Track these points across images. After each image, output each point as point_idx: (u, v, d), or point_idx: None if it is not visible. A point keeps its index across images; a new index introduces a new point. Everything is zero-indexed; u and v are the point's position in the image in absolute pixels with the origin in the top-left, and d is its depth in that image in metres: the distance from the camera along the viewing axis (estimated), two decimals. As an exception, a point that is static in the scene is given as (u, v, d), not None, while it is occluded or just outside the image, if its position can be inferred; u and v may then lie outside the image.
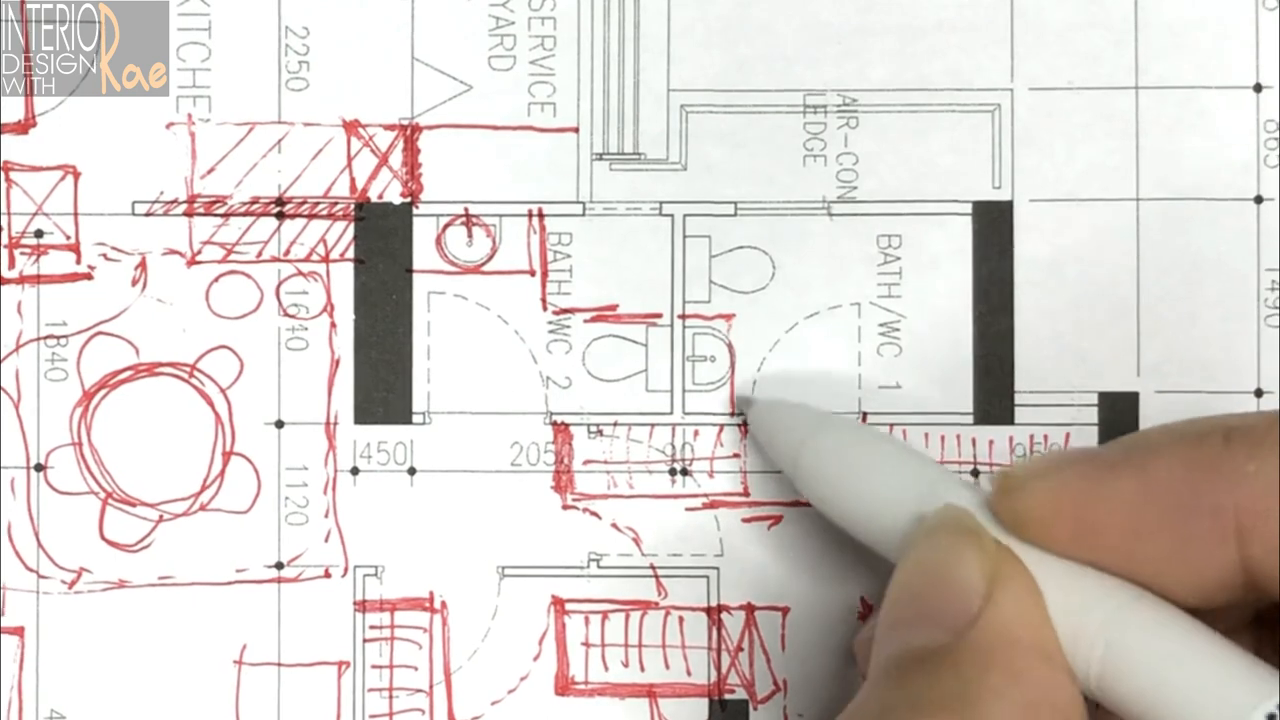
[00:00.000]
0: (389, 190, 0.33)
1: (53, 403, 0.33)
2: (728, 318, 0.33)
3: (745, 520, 0.33)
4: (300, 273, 0.33)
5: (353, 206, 0.33)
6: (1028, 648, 0.25)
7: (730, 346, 0.33)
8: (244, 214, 0.33)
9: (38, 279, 0.33)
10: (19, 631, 0.33)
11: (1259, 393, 0.33)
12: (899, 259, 0.33)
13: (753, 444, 0.33)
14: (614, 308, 0.33)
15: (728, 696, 0.33)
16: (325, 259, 0.33)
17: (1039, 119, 0.33)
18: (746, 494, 0.33)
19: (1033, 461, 0.27)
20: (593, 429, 0.33)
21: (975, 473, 0.33)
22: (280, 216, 0.33)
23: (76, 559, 0.33)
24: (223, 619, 0.33)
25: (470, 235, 0.33)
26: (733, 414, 0.33)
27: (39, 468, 0.33)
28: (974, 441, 0.33)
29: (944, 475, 0.29)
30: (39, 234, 0.33)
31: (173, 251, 0.33)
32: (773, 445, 0.31)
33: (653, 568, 0.33)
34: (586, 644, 0.33)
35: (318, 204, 0.33)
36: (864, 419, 0.33)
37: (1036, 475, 0.26)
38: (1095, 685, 0.25)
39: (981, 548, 0.26)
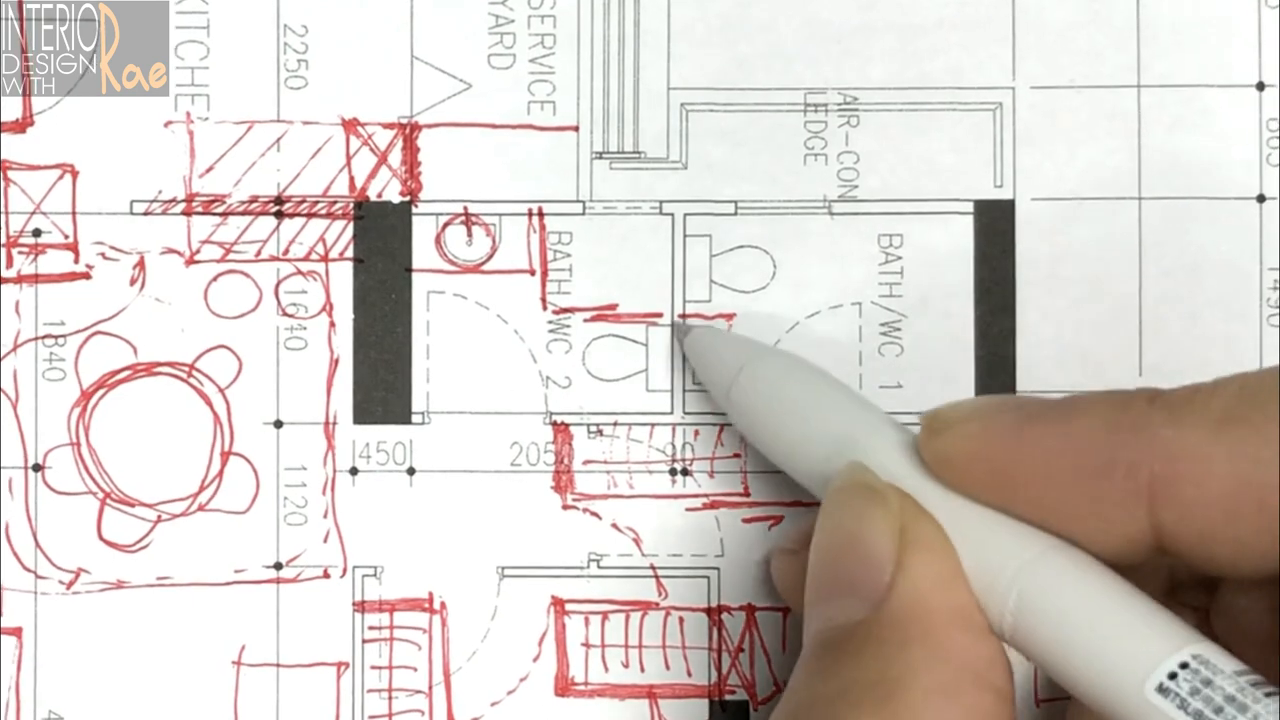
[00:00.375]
0: (388, 189, 0.33)
1: (51, 403, 0.33)
2: (728, 317, 0.33)
3: (746, 520, 0.33)
4: (299, 272, 0.33)
5: (352, 205, 0.33)
6: (944, 615, 0.25)
7: None
8: (242, 213, 0.33)
9: (35, 278, 0.33)
10: (17, 632, 0.33)
11: (1261, 392, 0.33)
12: (900, 258, 0.33)
13: (751, 448, 0.32)
14: (614, 307, 0.33)
15: (728, 697, 0.33)
16: (324, 258, 0.33)
17: (1040, 117, 0.33)
18: (747, 494, 0.33)
19: (961, 404, 0.27)
20: (593, 429, 0.33)
21: None
22: (279, 215, 0.33)
23: (74, 559, 0.33)
24: (221, 619, 0.33)
25: (470, 234, 0.33)
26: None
27: (37, 468, 0.33)
28: None
29: (871, 416, 0.28)
30: (37, 233, 0.33)
31: (171, 251, 0.33)
32: (707, 373, 0.31)
33: (653, 568, 0.33)
34: (586, 644, 0.33)
35: (317, 203, 0.33)
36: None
37: (963, 418, 0.26)
38: (1009, 634, 0.25)
39: (887, 508, 0.26)
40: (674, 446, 0.33)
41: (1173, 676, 0.23)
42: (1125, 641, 0.23)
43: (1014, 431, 0.25)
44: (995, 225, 0.33)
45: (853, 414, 0.28)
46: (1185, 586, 0.27)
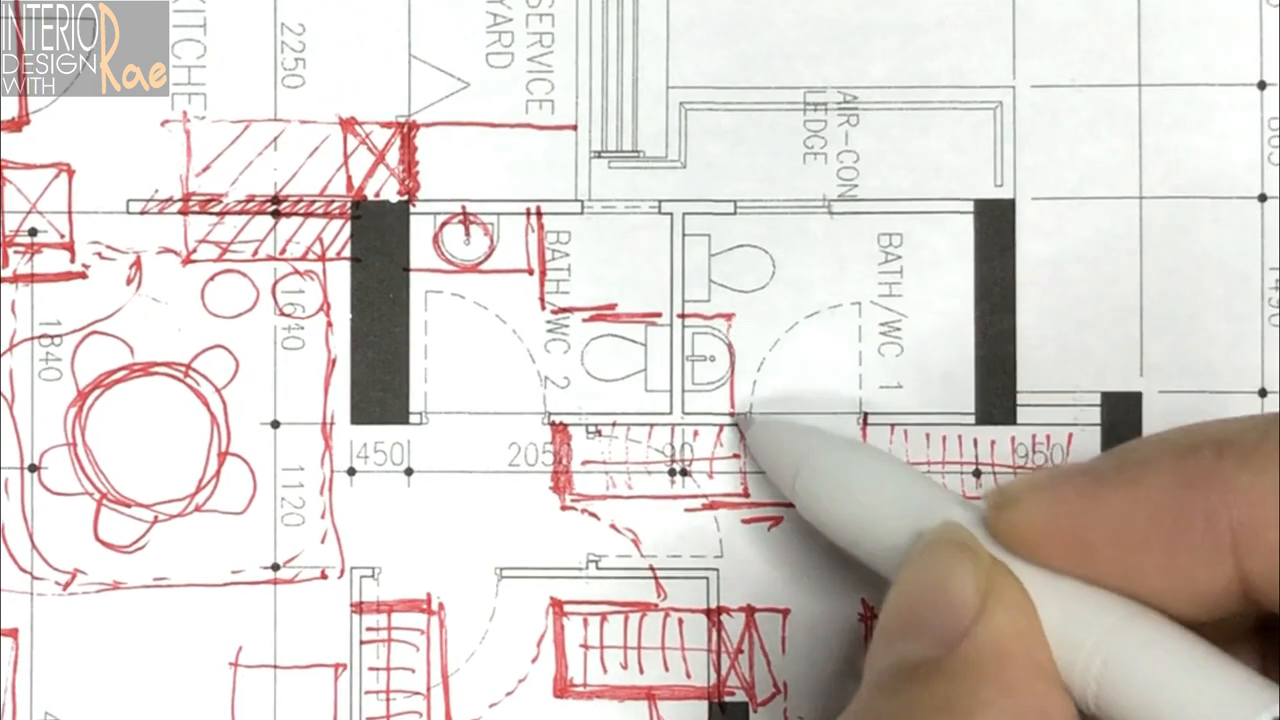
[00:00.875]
0: (386, 188, 0.33)
1: (47, 403, 0.33)
2: (727, 317, 0.33)
3: (745, 521, 0.33)
4: (296, 271, 0.33)
5: (349, 205, 0.33)
6: (1020, 662, 0.25)
7: (730, 346, 0.33)
8: (239, 212, 0.33)
9: (31, 278, 0.33)
10: (13, 633, 0.33)
11: (1263, 392, 0.32)
12: (900, 258, 0.33)
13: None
14: (613, 307, 0.33)
15: (728, 699, 0.33)
16: (321, 258, 0.33)
17: (1041, 116, 0.33)
18: (746, 495, 0.33)
19: (1026, 477, 0.27)
20: (591, 429, 0.33)
21: (977, 473, 0.33)
22: (276, 215, 0.33)
23: (71, 560, 0.33)
24: (218, 621, 0.33)
25: (468, 234, 0.33)
26: (731, 414, 0.33)
27: (33, 468, 0.33)
28: (975, 442, 0.33)
29: (941, 493, 0.29)
30: (33, 232, 0.33)
31: (167, 250, 0.33)
32: (771, 465, 0.31)
33: (652, 569, 0.33)
34: (585, 646, 0.33)
35: (314, 202, 0.33)
36: (865, 419, 0.33)
37: (1029, 491, 0.26)
38: (1094, 704, 0.25)
39: (976, 562, 0.26)
40: (673, 447, 0.33)
41: None
42: (1215, 703, 0.24)
43: (1085, 498, 0.25)
44: (995, 225, 0.33)
45: (923, 495, 0.28)
46: (1273, 633, 0.27)
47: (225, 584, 0.33)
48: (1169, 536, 0.24)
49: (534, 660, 0.33)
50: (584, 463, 0.33)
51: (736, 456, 0.33)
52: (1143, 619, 0.25)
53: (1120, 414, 0.32)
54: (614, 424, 0.33)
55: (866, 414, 0.33)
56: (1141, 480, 0.25)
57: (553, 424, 0.33)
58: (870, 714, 0.25)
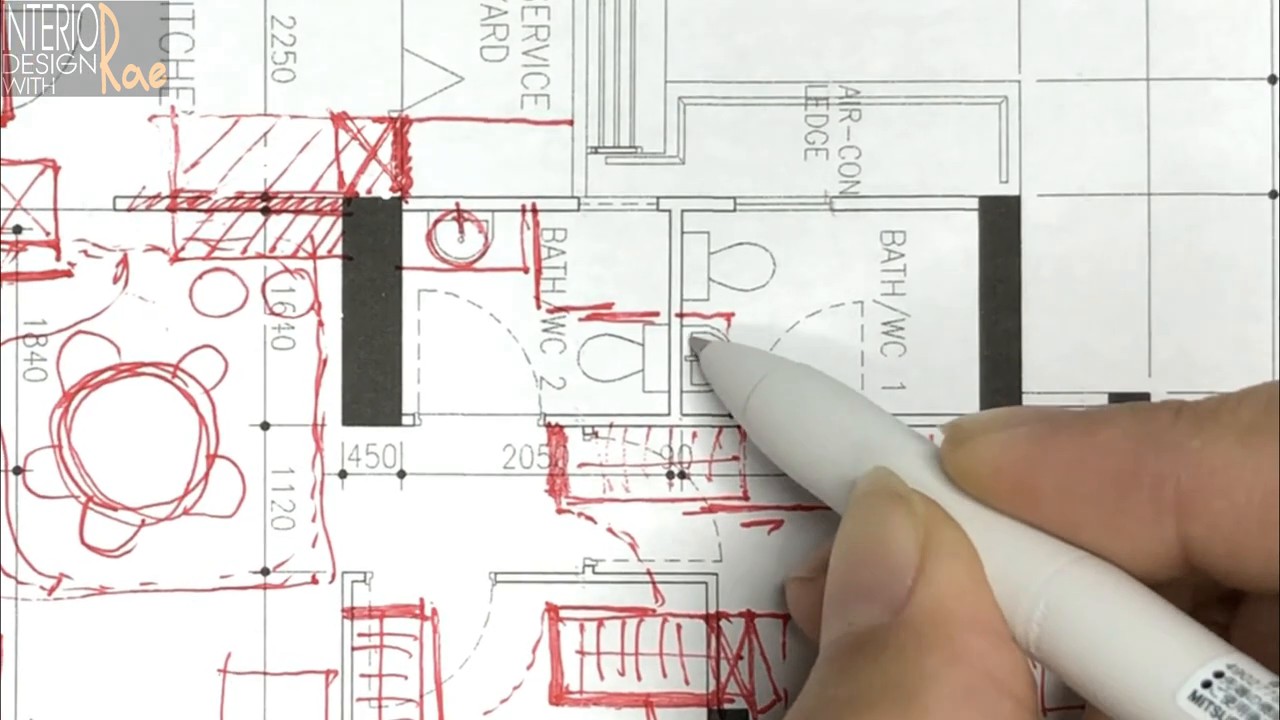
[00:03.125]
0: (378, 185, 0.33)
1: (31, 404, 0.33)
2: (727, 316, 0.33)
3: (745, 525, 0.33)
4: (287, 270, 0.33)
5: (341, 201, 0.33)
6: (964, 621, 0.25)
7: None
8: (229, 209, 0.33)
9: (16, 276, 0.33)
10: (-3, 639, 0.33)
11: (1274, 393, 0.32)
12: (903, 255, 0.33)
13: (753, 446, 0.32)
14: (610, 306, 0.33)
15: (727, 706, 0.33)
16: (312, 255, 0.33)
17: (1047, 111, 0.33)
18: (746, 498, 0.33)
19: (985, 415, 0.27)
20: (588, 431, 0.33)
21: None
22: (266, 212, 0.33)
23: (56, 565, 0.33)
24: (207, 626, 0.33)
25: (461, 231, 0.33)
26: (731, 415, 0.32)
27: (17, 471, 0.33)
28: None
29: (895, 427, 0.28)
30: (17, 230, 0.33)
31: (155, 248, 0.33)
32: (724, 388, 0.31)
33: (649, 574, 0.33)
34: (581, 652, 0.33)
35: (305, 199, 0.33)
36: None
37: (986, 429, 0.26)
38: (1034, 647, 0.25)
39: (911, 514, 0.26)
40: (671, 449, 0.33)
41: (1206, 685, 0.23)
42: (1157, 651, 0.23)
43: (1038, 443, 0.25)
44: (1001, 222, 0.33)
45: (874, 425, 0.28)
46: (1208, 604, 0.27)
47: (214, 589, 0.33)
48: (1115, 493, 0.24)
49: (529, 667, 0.33)
50: (580, 465, 0.33)
51: (736, 459, 0.33)
52: (1089, 565, 0.25)
53: None
54: (611, 425, 0.33)
55: None
56: (1095, 432, 0.25)
57: (548, 425, 0.33)
58: (821, 700, 0.25)
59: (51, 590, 0.32)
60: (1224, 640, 0.24)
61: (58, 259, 0.33)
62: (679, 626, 0.33)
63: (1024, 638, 0.25)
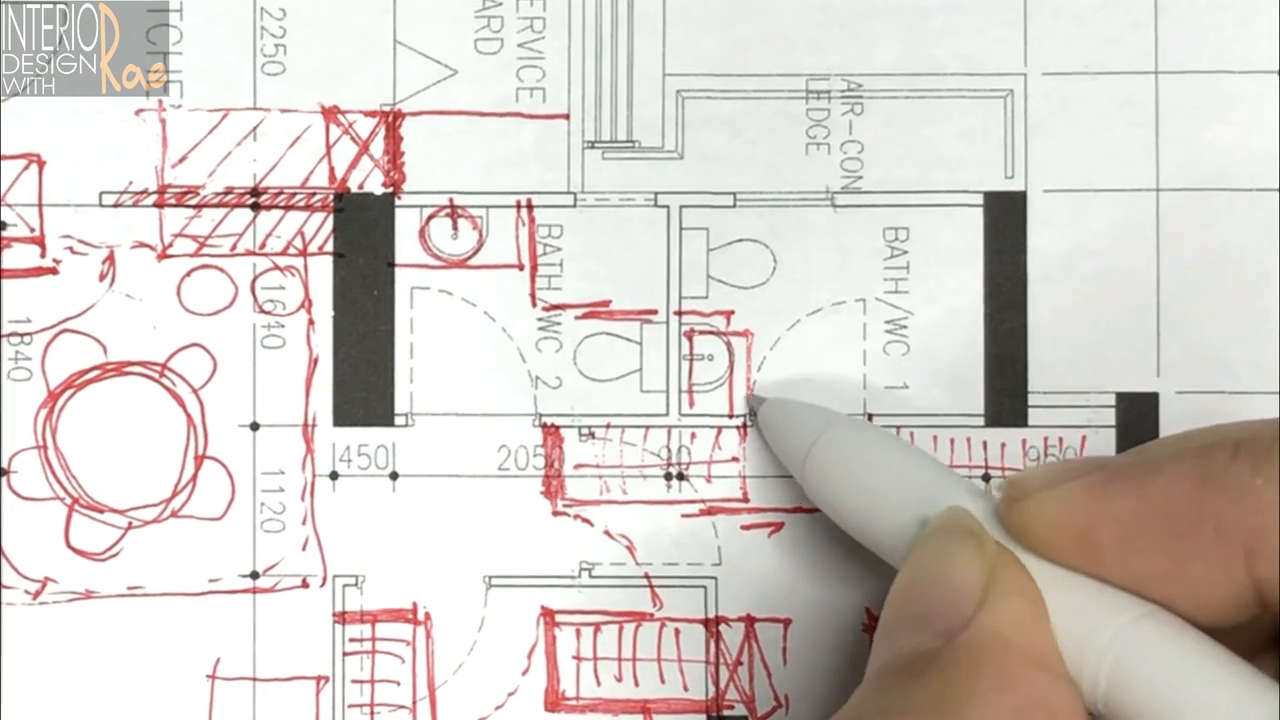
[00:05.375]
0: (370, 180, 0.33)
1: (16, 404, 0.33)
2: (726, 314, 0.32)
3: (744, 527, 0.32)
4: (276, 267, 0.33)
5: (332, 197, 0.33)
6: (1021, 652, 0.24)
7: (729, 345, 0.33)
8: (217, 205, 0.33)
9: (0, 274, 0.33)
10: (-19, 644, 0.33)
11: (1285, 393, 0.33)
12: (906, 252, 0.33)
13: (753, 447, 0.32)
14: (607, 304, 0.33)
15: (726, 713, 0.32)
16: (303, 252, 0.33)
17: (1053, 105, 0.33)
18: (746, 500, 0.32)
19: (1041, 470, 0.26)
20: (584, 431, 0.33)
21: (986, 477, 0.32)
22: (255, 208, 0.33)
23: (41, 568, 0.32)
24: (195, 631, 0.32)
25: (455, 227, 0.33)
26: (731, 415, 0.32)
27: (1, 472, 0.32)
28: (985, 445, 0.32)
29: (952, 480, 0.28)
30: (1, 226, 0.33)
31: (142, 244, 0.33)
32: (781, 446, 0.31)
33: (647, 577, 0.32)
34: (578, 657, 0.32)
35: (295, 194, 0.33)
36: (870, 420, 0.32)
37: (1042, 485, 0.26)
38: (1102, 703, 0.25)
39: (980, 550, 0.26)
40: (669, 450, 0.32)
41: None
42: (1228, 707, 0.23)
43: (1095, 496, 0.25)
44: (1006, 218, 0.32)
45: (935, 480, 0.28)
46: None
47: (202, 593, 0.32)
48: (1178, 540, 0.24)
49: (524, 672, 0.32)
50: (577, 466, 0.32)
51: (735, 460, 0.33)
52: (1157, 619, 0.25)
53: (1136, 415, 0.32)
54: (608, 426, 0.33)
55: (871, 415, 0.33)
56: (1153, 481, 0.24)
57: (544, 426, 0.33)
58: (857, 710, 0.25)
59: (37, 594, 0.32)
60: None
61: (43, 256, 0.33)
62: (677, 631, 0.32)
63: (1091, 693, 0.25)
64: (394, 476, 0.32)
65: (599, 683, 0.32)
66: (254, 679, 0.32)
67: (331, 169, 0.33)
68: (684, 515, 0.32)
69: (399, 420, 0.32)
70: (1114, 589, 0.25)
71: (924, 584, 0.26)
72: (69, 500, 0.32)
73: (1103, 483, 0.25)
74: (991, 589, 0.25)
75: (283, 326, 0.33)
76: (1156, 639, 0.24)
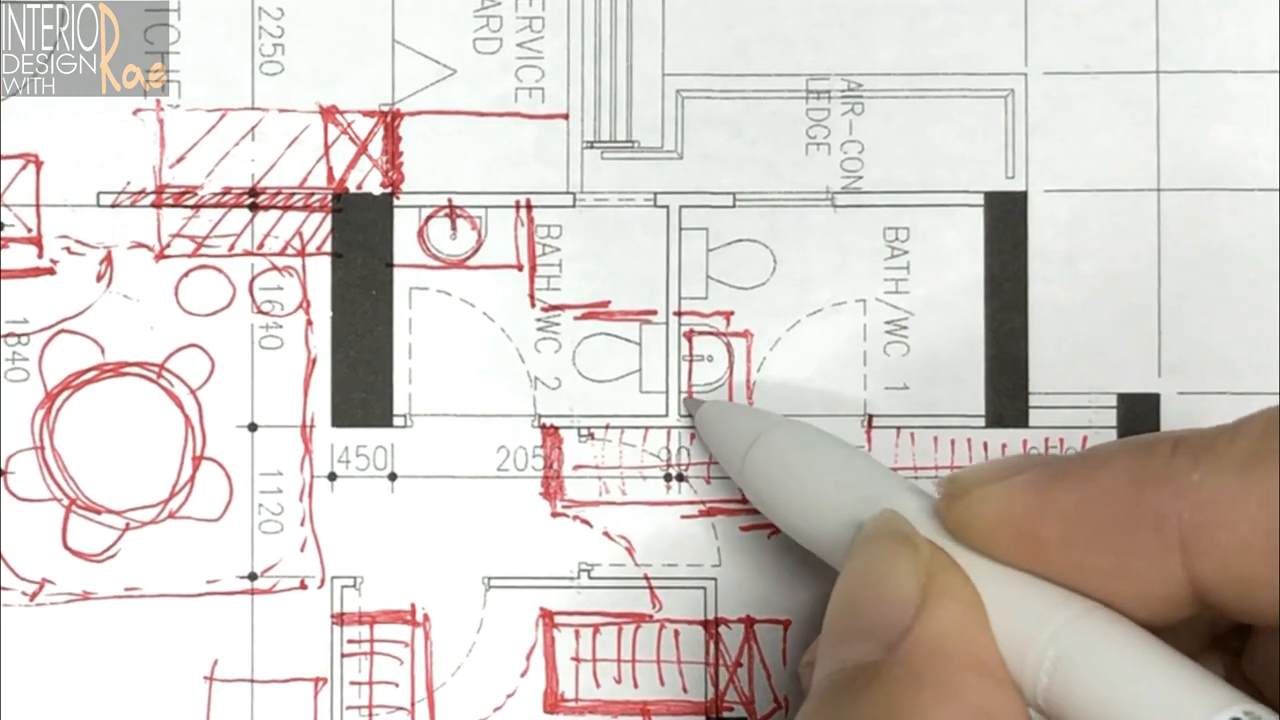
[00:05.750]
0: (368, 180, 0.33)
1: (13, 404, 0.32)
2: (726, 315, 0.32)
3: (744, 529, 0.32)
4: (275, 267, 0.33)
5: (330, 197, 0.33)
6: (961, 661, 0.24)
7: (729, 345, 0.33)
8: (215, 205, 0.33)
9: None
10: (-22, 646, 0.32)
11: (1286, 394, 0.32)
12: (907, 252, 0.32)
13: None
14: (606, 304, 0.33)
15: (726, 714, 0.32)
16: (301, 253, 0.33)
17: (1054, 105, 0.32)
18: (745, 501, 0.32)
19: (981, 467, 0.27)
20: (583, 432, 0.32)
21: None
22: (254, 208, 0.33)
23: (38, 569, 0.32)
24: (193, 633, 0.32)
25: (454, 227, 0.33)
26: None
27: None
28: (986, 446, 0.32)
29: (891, 479, 0.28)
30: None
31: (140, 245, 0.33)
32: (719, 448, 0.31)
33: (646, 579, 0.32)
34: (577, 659, 0.32)
35: (293, 195, 0.33)
36: (870, 421, 0.32)
37: (982, 482, 0.26)
38: (1043, 701, 0.24)
39: (915, 555, 0.26)
40: (669, 451, 0.32)
41: None
42: (1170, 701, 0.23)
43: (1037, 491, 0.25)
44: (1006, 218, 0.32)
45: (873, 479, 0.28)
46: (1223, 639, 0.27)
47: (200, 594, 0.32)
48: (1119, 536, 0.24)
49: (523, 674, 0.32)
50: (576, 467, 0.32)
51: None
52: (1097, 616, 0.24)
53: (1137, 416, 0.32)
54: (607, 427, 0.32)
55: (871, 416, 0.32)
56: (1094, 476, 0.24)
57: (543, 427, 0.32)
58: None
59: (34, 596, 0.32)
60: (1235, 687, 0.23)
61: (40, 256, 0.32)
62: (676, 632, 0.32)
63: (1031, 690, 0.24)
64: (392, 477, 0.32)
65: (598, 684, 0.32)
66: (252, 680, 0.32)
67: (330, 169, 0.33)
68: (683, 516, 0.32)
69: (397, 421, 0.32)
70: (1054, 586, 0.25)
71: (861, 593, 0.26)
72: (66, 501, 0.32)
73: (1046, 479, 0.25)
74: (928, 596, 0.25)
75: (281, 327, 0.32)
76: (1097, 635, 0.24)
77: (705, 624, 0.32)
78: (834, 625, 0.26)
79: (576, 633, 0.32)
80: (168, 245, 0.32)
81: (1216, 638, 0.26)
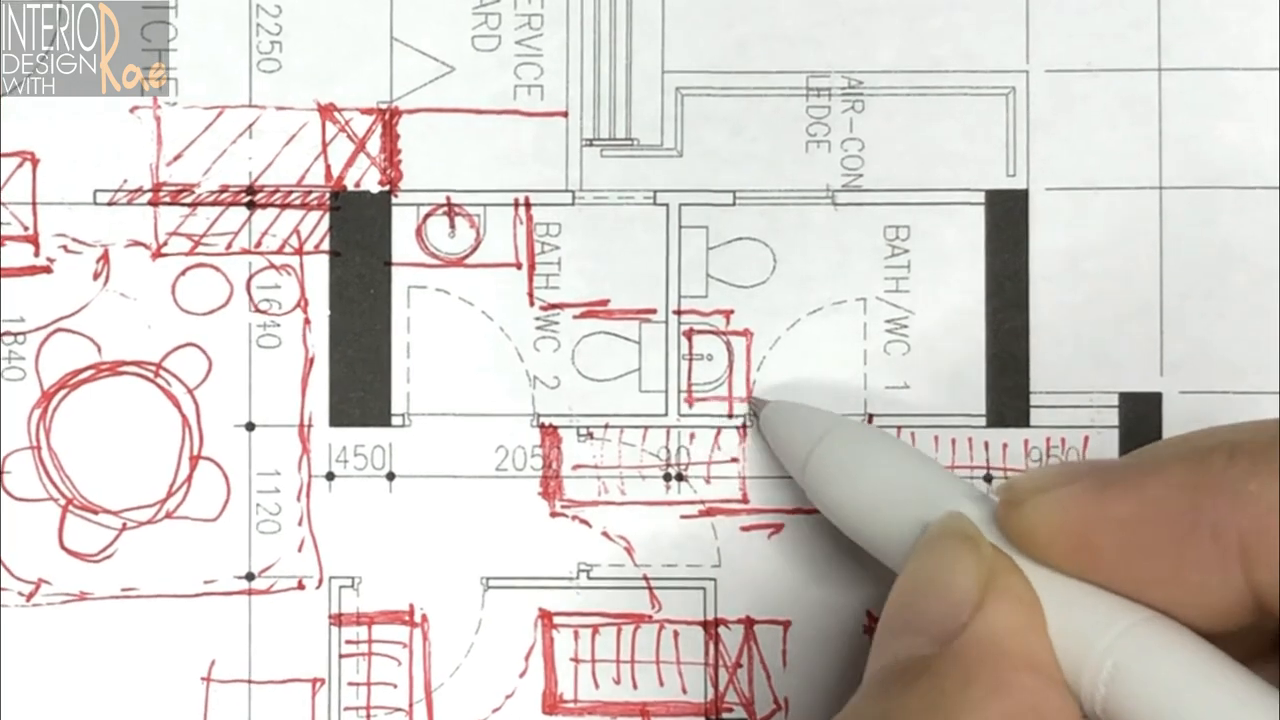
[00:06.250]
0: (366, 178, 0.33)
1: (10, 404, 0.32)
2: (726, 314, 0.32)
3: (744, 529, 0.32)
4: (272, 266, 0.33)
5: (328, 195, 0.33)
6: (1015, 658, 0.24)
7: (728, 344, 0.32)
8: (213, 203, 0.33)
9: None
10: (-26, 646, 0.32)
11: (1289, 393, 0.32)
12: (907, 251, 0.32)
13: (752, 448, 0.32)
14: (605, 303, 0.32)
15: (725, 715, 0.32)
16: (299, 251, 0.32)
17: (1056, 103, 0.32)
18: (745, 501, 0.32)
19: (1038, 474, 0.26)
20: (582, 431, 0.32)
21: (988, 478, 0.32)
22: (251, 206, 0.33)
23: (35, 570, 0.32)
24: (190, 633, 0.32)
25: (452, 226, 0.32)
26: (730, 416, 0.32)
27: None
28: (987, 445, 0.32)
29: (953, 483, 0.28)
30: None
31: (137, 243, 0.32)
32: (783, 449, 0.31)
33: (646, 579, 0.32)
34: (576, 660, 0.32)
35: (291, 193, 0.33)
36: (870, 421, 0.32)
37: (1039, 489, 0.26)
38: (1100, 709, 0.24)
39: (978, 555, 0.26)
40: (668, 450, 0.32)
41: None
42: (1229, 713, 0.23)
43: (1092, 500, 0.25)
44: (1008, 216, 0.32)
45: (936, 484, 0.28)
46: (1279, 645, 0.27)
47: (197, 595, 0.32)
48: (1176, 545, 0.24)
49: (522, 675, 0.32)
50: (575, 467, 0.32)
51: (735, 460, 0.32)
52: (1157, 625, 0.24)
53: (1139, 416, 0.32)
54: (606, 426, 0.32)
55: (872, 415, 0.32)
56: (1149, 484, 0.24)
57: (542, 426, 0.32)
58: (859, 716, 0.25)
59: (30, 596, 0.32)
60: None
61: (36, 254, 0.32)
62: (676, 633, 0.32)
63: (1090, 700, 0.24)
64: (391, 477, 0.32)
65: (597, 685, 0.32)
66: (249, 681, 0.32)
67: (328, 167, 0.32)
68: (683, 516, 0.32)
69: (396, 420, 0.32)
70: (1112, 595, 0.25)
71: (921, 589, 0.26)
72: (63, 501, 0.32)
73: (1099, 487, 0.25)
74: (988, 594, 0.25)
75: (278, 326, 0.32)
76: (1155, 644, 0.24)
77: (705, 624, 0.32)
78: (892, 618, 0.26)
79: (575, 633, 0.32)
80: (165, 243, 0.32)
81: (1273, 644, 0.26)
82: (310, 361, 0.32)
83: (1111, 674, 0.24)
